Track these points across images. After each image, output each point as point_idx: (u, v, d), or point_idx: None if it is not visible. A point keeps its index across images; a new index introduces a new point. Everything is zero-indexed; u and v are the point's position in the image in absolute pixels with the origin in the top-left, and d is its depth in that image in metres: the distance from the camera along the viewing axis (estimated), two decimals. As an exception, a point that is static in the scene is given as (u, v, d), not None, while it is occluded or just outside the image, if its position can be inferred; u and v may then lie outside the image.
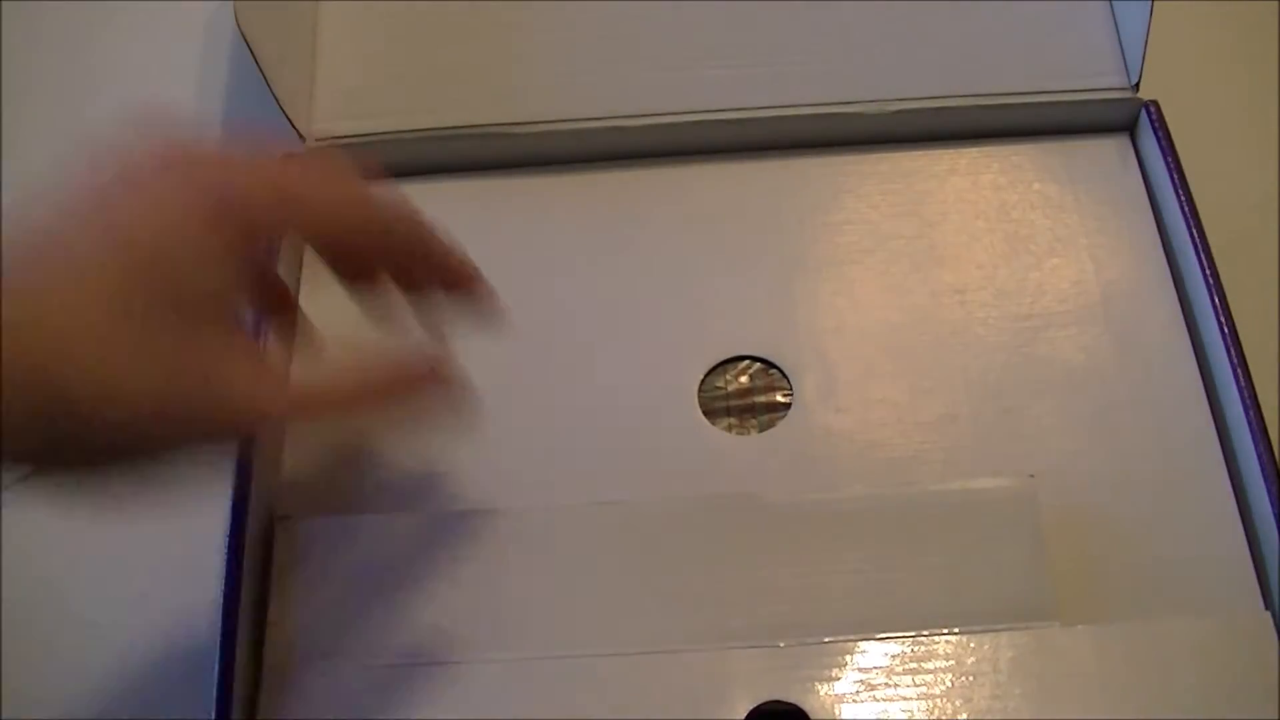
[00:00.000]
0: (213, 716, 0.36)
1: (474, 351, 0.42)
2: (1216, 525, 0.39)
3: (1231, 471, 0.40)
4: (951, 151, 0.46)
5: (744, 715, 0.35)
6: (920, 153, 0.46)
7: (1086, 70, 0.46)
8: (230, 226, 0.28)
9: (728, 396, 0.41)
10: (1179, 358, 0.42)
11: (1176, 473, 0.40)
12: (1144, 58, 0.44)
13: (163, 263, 0.27)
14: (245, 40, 0.42)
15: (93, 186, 0.28)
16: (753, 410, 0.41)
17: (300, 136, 0.45)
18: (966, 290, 0.43)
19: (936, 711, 0.35)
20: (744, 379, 0.42)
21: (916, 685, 0.35)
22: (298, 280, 0.43)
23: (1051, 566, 0.37)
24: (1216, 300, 0.41)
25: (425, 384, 0.34)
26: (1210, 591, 0.38)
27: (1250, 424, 0.39)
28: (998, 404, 0.41)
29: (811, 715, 0.35)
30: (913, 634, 0.36)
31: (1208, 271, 0.41)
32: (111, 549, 0.43)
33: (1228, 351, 0.40)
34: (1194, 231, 0.42)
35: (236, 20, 0.42)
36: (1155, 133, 0.44)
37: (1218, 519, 0.39)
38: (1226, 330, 0.41)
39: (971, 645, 0.36)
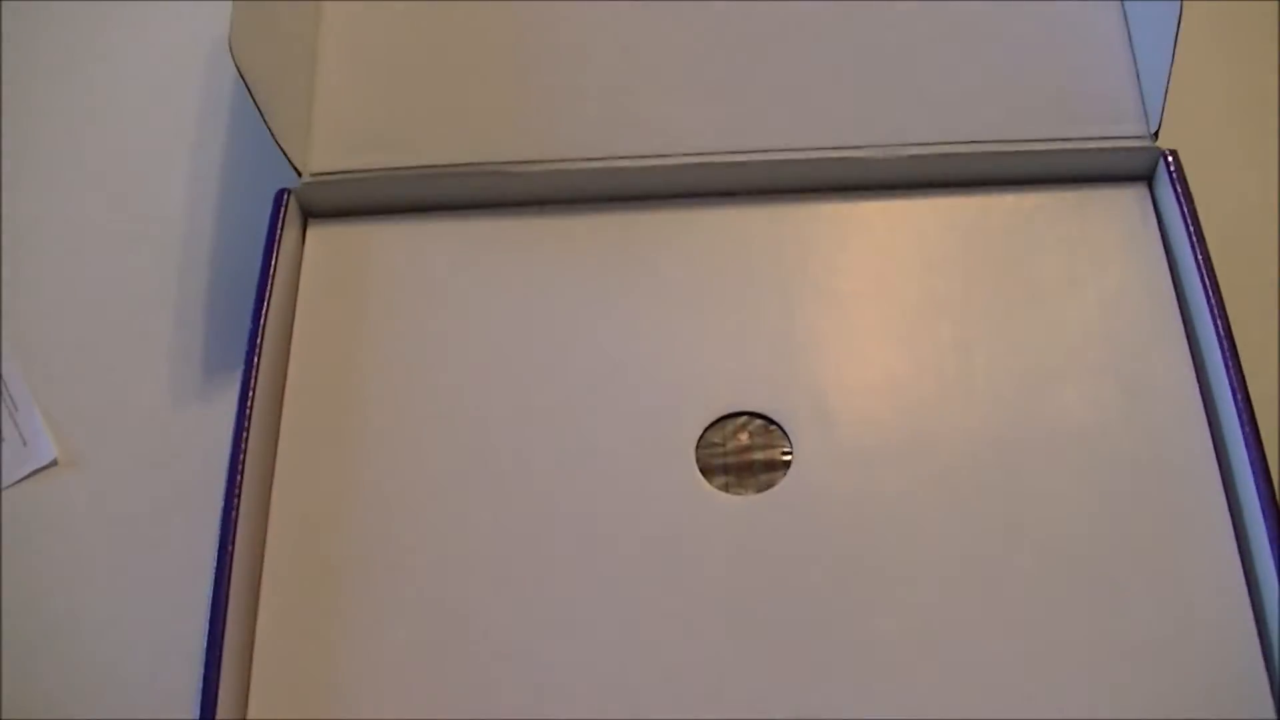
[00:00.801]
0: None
1: (467, 404, 0.41)
2: (1221, 590, 0.38)
3: (1239, 535, 0.39)
4: (961, 199, 0.45)
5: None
6: (929, 199, 0.45)
7: (1104, 117, 0.44)
8: None
9: (726, 454, 0.41)
10: (1189, 416, 0.41)
11: (1183, 537, 0.39)
12: (1164, 106, 0.43)
13: None
14: (242, 76, 0.41)
15: None
16: (751, 469, 0.41)
17: (297, 172, 0.44)
18: (971, 343, 0.42)
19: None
20: (743, 436, 0.41)
21: None
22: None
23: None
24: (1229, 359, 0.40)
25: None
26: (1212, 655, 0.37)
27: (1259, 491, 0.38)
28: (1002, 462, 0.40)
29: None
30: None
31: (1220, 328, 0.40)
32: (111, 550, 0.44)
33: (1239, 412, 0.39)
34: (1209, 288, 0.41)
35: (233, 57, 0.41)
36: (1173, 183, 0.43)
37: (1223, 585, 0.38)
38: (1238, 391, 0.40)
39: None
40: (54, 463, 0.45)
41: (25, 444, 0.46)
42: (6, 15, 0.55)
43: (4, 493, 0.45)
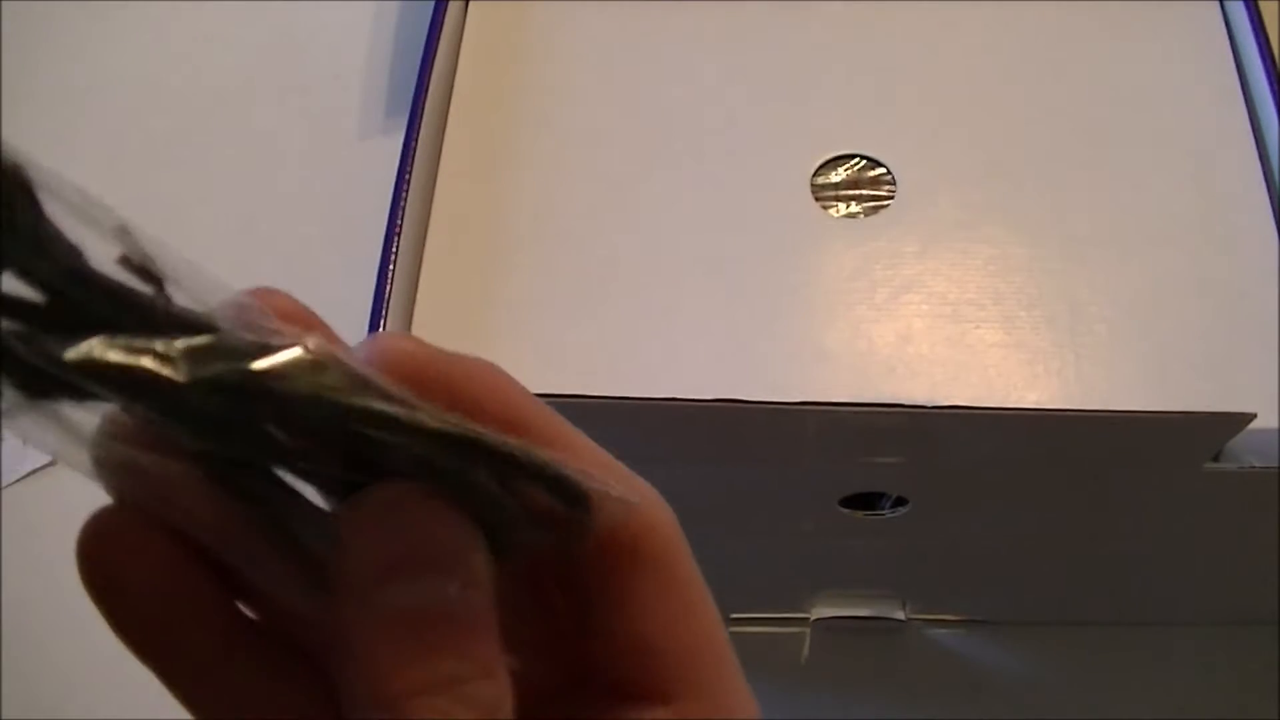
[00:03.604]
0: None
1: (617, 137, 0.41)
2: None
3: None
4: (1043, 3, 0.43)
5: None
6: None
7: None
8: None
9: (836, 187, 0.40)
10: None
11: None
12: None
13: None
14: None
15: None
16: (859, 200, 0.40)
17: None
18: (1046, 119, 0.40)
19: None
20: (850, 174, 0.40)
21: None
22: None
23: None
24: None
25: None
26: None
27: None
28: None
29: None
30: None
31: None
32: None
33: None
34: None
35: None
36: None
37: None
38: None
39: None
40: (54, 462, 0.45)
41: (25, 443, 0.45)
42: (6, 15, 0.54)
43: (4, 492, 0.45)
